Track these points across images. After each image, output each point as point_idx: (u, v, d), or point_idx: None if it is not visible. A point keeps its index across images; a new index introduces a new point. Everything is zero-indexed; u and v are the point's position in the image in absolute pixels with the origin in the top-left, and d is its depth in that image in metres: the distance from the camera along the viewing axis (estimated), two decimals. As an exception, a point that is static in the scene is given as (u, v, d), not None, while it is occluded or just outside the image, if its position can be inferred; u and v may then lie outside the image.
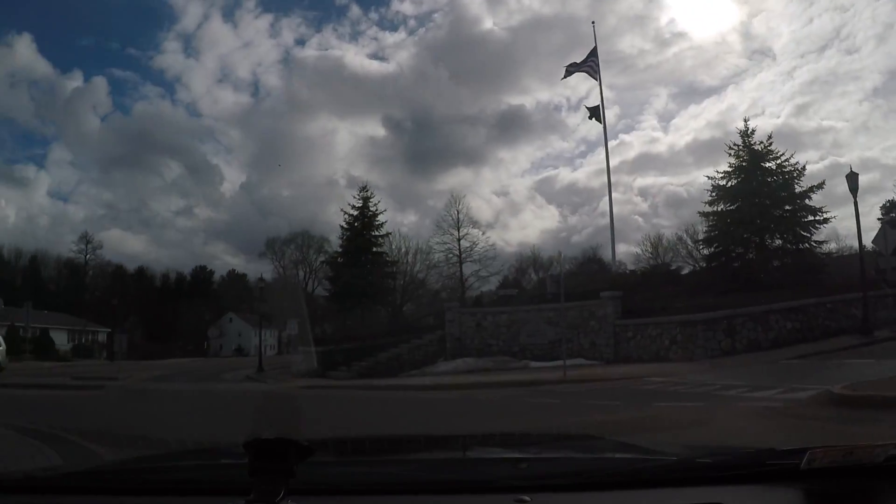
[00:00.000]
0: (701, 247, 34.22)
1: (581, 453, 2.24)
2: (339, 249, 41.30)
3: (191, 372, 31.92)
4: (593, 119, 35.66)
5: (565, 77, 36.07)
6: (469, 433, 4.05)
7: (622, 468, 1.67)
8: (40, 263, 73.79)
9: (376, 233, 39.84)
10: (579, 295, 23.31)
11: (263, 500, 1.23)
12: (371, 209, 39.77)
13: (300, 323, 41.10)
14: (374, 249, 39.60)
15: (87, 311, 61.79)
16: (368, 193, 40.23)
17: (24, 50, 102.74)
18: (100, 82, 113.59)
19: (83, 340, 53.83)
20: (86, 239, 76.89)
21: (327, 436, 4.04)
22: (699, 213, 31.15)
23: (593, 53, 34.38)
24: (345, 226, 39.75)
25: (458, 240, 42.77)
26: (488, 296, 40.53)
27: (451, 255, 43.45)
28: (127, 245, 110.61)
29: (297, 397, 16.65)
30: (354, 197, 40.42)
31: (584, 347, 22.32)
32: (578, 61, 35.02)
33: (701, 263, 35.11)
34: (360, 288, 36.54)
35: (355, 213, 39.62)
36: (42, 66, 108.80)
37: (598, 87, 34.78)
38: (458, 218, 43.03)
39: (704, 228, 31.85)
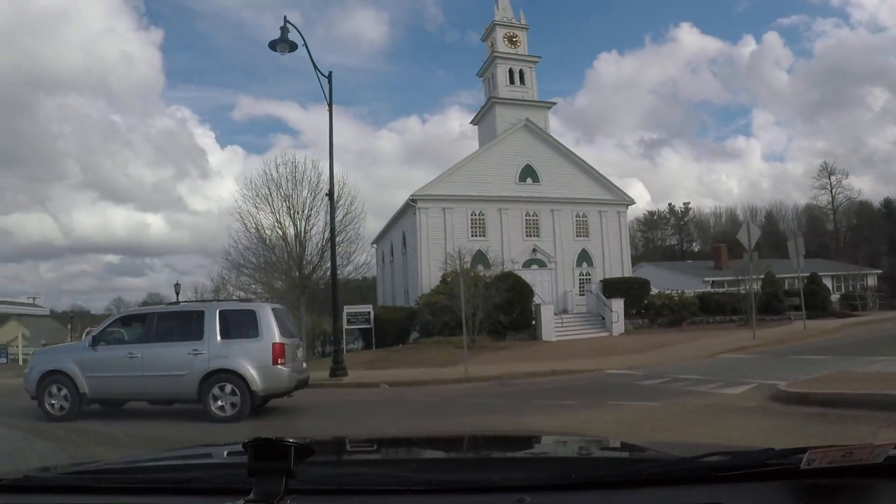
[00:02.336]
0: None
1: (581, 453, 2.17)
2: None
3: None
4: None
5: None
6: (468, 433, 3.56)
7: (622, 468, 1.63)
8: (776, 217, 71.58)
9: None
10: None
11: (263, 500, 1.23)
12: None
13: None
14: None
15: (837, 255, 54.69)
16: None
17: (689, 37, 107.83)
18: (771, 37, 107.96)
19: (850, 288, 45.14)
20: (828, 171, 66.20)
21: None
22: None
23: None
24: None
25: None
26: None
27: None
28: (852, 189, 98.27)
29: None
30: None
31: None
32: None
33: None
34: None
35: None
36: (711, 44, 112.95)
37: None
38: None
39: None
